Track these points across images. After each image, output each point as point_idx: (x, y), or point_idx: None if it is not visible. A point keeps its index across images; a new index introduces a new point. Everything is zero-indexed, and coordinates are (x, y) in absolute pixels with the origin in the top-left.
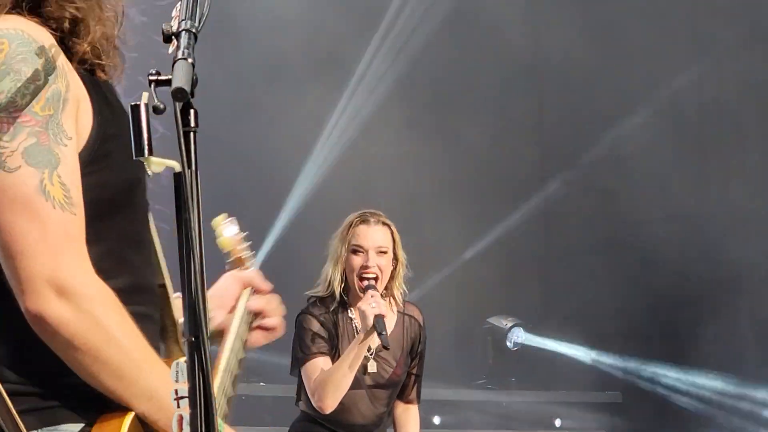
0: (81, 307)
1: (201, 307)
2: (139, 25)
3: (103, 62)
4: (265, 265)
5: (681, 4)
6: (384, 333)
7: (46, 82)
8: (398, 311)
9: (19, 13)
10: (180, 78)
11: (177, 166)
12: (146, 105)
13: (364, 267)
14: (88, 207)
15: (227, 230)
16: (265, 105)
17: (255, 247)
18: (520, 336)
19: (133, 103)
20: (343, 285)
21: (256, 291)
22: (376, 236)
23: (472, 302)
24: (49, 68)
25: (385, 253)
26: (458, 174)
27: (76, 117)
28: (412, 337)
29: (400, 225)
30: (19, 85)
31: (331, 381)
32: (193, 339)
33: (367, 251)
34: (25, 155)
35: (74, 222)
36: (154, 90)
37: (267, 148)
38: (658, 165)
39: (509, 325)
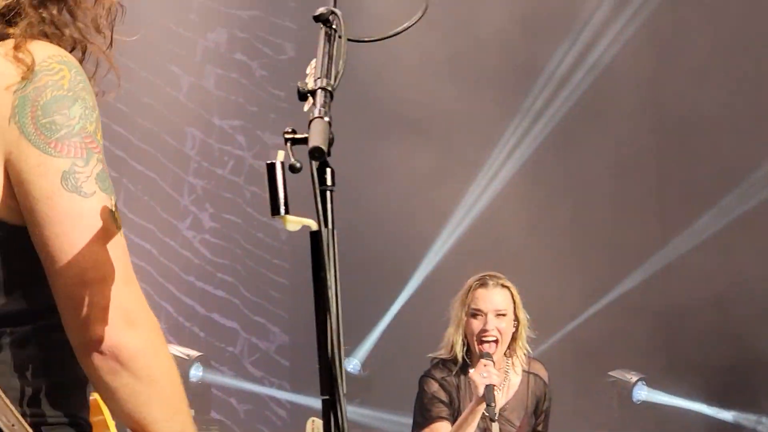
0: (148, 337)
1: (338, 365)
2: (259, 78)
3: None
4: (393, 324)
5: None
6: (492, 404)
7: (97, 111)
8: (523, 370)
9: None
10: (317, 137)
11: (314, 225)
12: (282, 163)
13: (484, 330)
14: None
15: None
16: (403, 167)
17: (384, 308)
18: (643, 390)
19: (269, 162)
20: (465, 348)
21: None
22: (494, 299)
23: (593, 358)
24: (94, 98)
25: (504, 315)
26: (580, 234)
27: None
28: (537, 395)
29: (522, 285)
30: (87, 112)
31: None
32: (327, 397)
33: (486, 314)
34: (98, 180)
35: (127, 249)
36: (290, 148)
37: (404, 211)
38: None
39: (634, 379)
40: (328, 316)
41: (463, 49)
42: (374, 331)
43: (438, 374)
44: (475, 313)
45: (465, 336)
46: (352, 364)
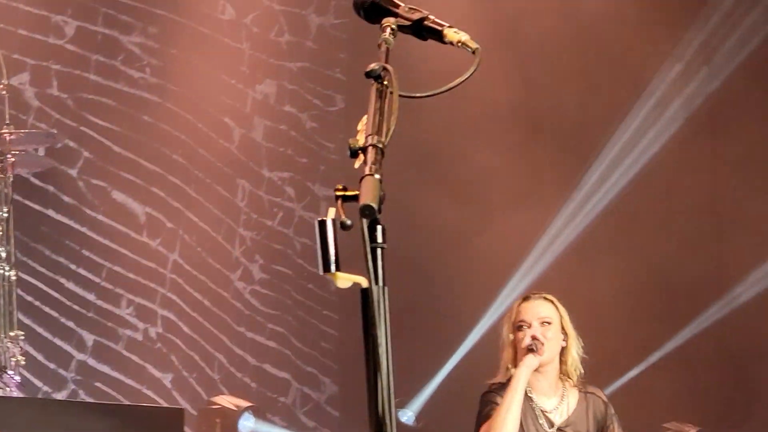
0: None
1: (389, 424)
2: (309, 130)
3: None
4: (450, 377)
5: None
6: (534, 348)
7: None
8: (579, 390)
9: None
10: (368, 194)
11: (364, 282)
12: (333, 220)
13: (531, 338)
14: None
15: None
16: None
17: (442, 361)
18: None
19: (319, 219)
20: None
21: None
22: (537, 309)
23: (654, 409)
24: None
25: (549, 323)
26: (640, 281)
27: None
28: (598, 416)
29: (583, 332)
30: None
31: (500, 413)
32: None
33: (530, 324)
34: None
35: None
36: (341, 205)
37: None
38: None
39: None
40: (378, 374)
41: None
42: (431, 383)
43: (496, 395)
44: (520, 326)
45: (515, 352)
46: (407, 416)
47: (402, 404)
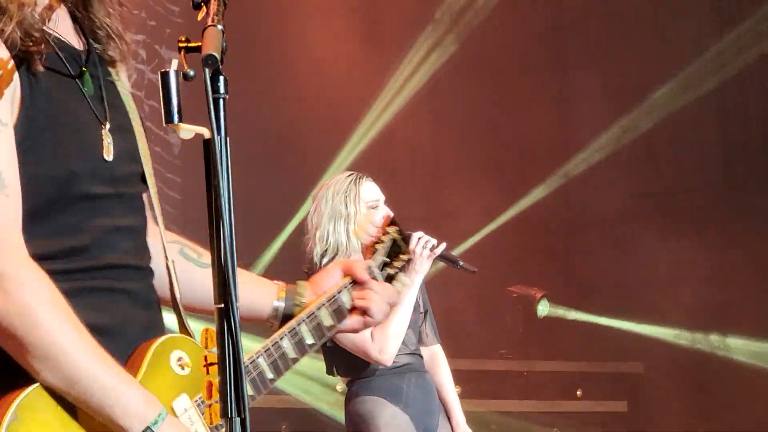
0: (8, 291)
1: (230, 274)
2: None
3: (33, 50)
4: (290, 241)
5: None
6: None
7: None
8: None
9: None
10: (210, 44)
11: (206, 133)
12: (176, 72)
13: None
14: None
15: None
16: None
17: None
18: (545, 306)
19: (162, 71)
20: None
21: (354, 281)
22: (377, 189)
23: (495, 273)
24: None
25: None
26: (484, 149)
27: (11, 104)
28: None
29: (425, 197)
30: None
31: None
32: (222, 306)
33: (377, 205)
34: None
35: (6, 203)
36: (184, 56)
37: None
38: None
39: (539, 295)
40: (221, 225)
41: None
42: (271, 248)
43: None
44: (375, 206)
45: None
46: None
47: (246, 268)
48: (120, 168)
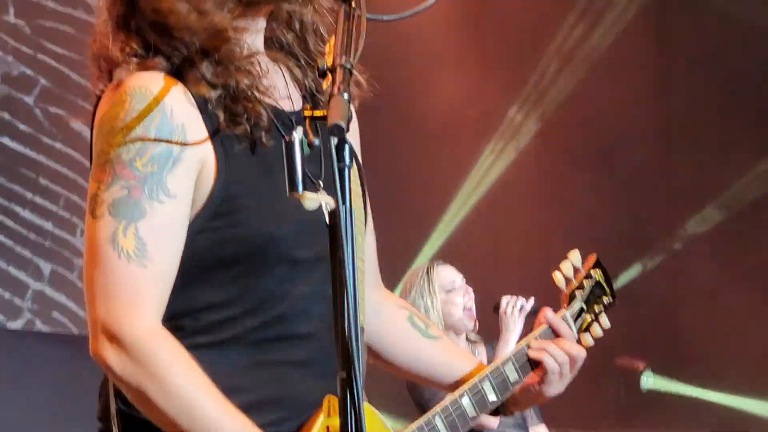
0: (130, 354)
1: (354, 343)
2: None
3: (236, 110)
4: None
5: None
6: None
7: (155, 139)
8: (485, 343)
9: (144, 64)
10: (336, 114)
11: (331, 202)
12: (300, 141)
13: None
14: (207, 261)
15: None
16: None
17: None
18: (650, 378)
19: (286, 139)
20: None
21: (555, 333)
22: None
23: (598, 342)
24: (163, 126)
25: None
26: (592, 219)
27: (193, 177)
28: None
29: (531, 262)
30: (126, 140)
31: None
32: (345, 375)
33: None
34: (111, 206)
35: (141, 275)
36: (309, 125)
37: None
38: None
39: (643, 366)
40: (345, 296)
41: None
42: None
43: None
44: (451, 289)
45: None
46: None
47: None
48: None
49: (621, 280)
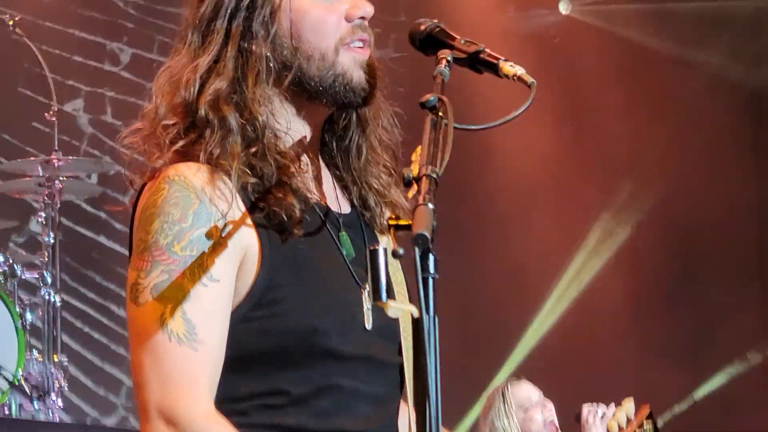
0: None
1: None
2: None
3: (272, 200)
4: None
5: None
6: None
7: (193, 225)
8: None
9: (183, 153)
10: (421, 224)
11: (415, 312)
12: (385, 250)
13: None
14: (249, 351)
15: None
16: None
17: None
18: None
19: (371, 248)
20: None
21: None
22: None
23: None
24: (201, 213)
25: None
26: (684, 328)
27: (236, 263)
28: None
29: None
30: (165, 225)
31: None
32: None
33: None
34: (153, 290)
35: (193, 357)
36: (393, 234)
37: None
38: None
39: None
40: (427, 403)
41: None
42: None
43: None
44: (528, 408)
45: None
46: None
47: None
48: (375, 335)
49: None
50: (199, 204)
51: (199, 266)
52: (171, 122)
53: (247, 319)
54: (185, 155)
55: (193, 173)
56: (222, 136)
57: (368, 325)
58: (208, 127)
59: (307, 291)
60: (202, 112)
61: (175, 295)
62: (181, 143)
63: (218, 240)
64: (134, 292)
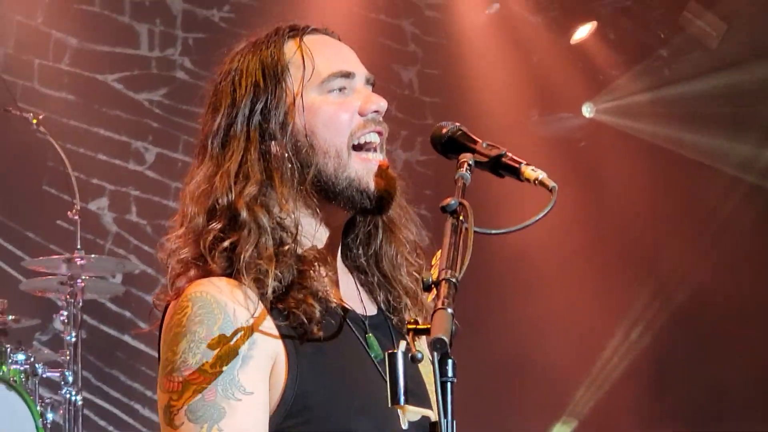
0: None
1: None
2: None
3: (290, 303)
4: None
5: None
6: None
7: (220, 341)
8: None
9: (204, 269)
10: (440, 328)
11: (433, 416)
12: (404, 353)
13: None
14: None
15: None
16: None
17: None
18: None
19: (389, 351)
20: None
21: None
22: None
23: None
24: (226, 327)
25: None
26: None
27: (266, 373)
28: None
29: None
30: (192, 345)
31: None
32: None
33: None
34: (188, 411)
35: None
36: (412, 338)
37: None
38: None
39: None
40: None
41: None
42: None
43: None
44: None
45: None
46: None
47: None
48: None
49: None
50: (223, 319)
51: (231, 381)
52: (211, 226)
53: (281, 430)
54: (205, 271)
55: (215, 287)
56: (256, 238)
57: (404, 425)
58: (245, 227)
59: (339, 395)
60: (244, 214)
61: (209, 414)
62: (225, 244)
63: (247, 352)
64: (168, 415)
